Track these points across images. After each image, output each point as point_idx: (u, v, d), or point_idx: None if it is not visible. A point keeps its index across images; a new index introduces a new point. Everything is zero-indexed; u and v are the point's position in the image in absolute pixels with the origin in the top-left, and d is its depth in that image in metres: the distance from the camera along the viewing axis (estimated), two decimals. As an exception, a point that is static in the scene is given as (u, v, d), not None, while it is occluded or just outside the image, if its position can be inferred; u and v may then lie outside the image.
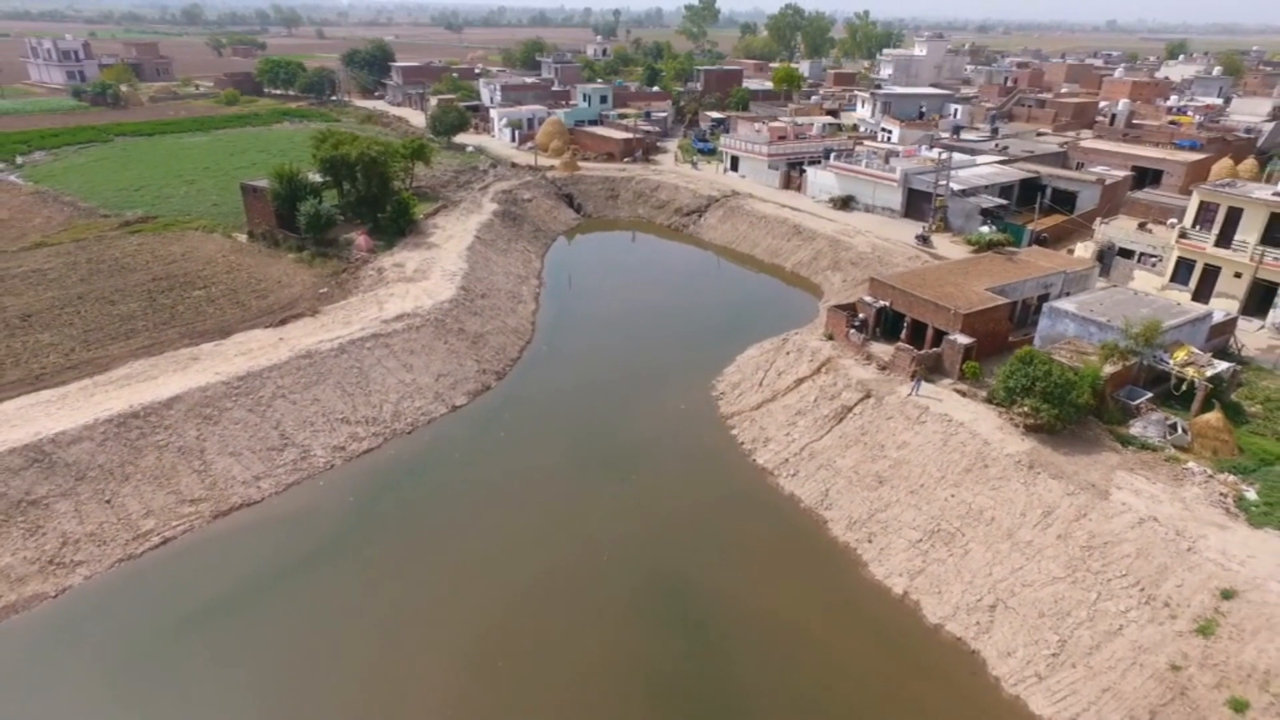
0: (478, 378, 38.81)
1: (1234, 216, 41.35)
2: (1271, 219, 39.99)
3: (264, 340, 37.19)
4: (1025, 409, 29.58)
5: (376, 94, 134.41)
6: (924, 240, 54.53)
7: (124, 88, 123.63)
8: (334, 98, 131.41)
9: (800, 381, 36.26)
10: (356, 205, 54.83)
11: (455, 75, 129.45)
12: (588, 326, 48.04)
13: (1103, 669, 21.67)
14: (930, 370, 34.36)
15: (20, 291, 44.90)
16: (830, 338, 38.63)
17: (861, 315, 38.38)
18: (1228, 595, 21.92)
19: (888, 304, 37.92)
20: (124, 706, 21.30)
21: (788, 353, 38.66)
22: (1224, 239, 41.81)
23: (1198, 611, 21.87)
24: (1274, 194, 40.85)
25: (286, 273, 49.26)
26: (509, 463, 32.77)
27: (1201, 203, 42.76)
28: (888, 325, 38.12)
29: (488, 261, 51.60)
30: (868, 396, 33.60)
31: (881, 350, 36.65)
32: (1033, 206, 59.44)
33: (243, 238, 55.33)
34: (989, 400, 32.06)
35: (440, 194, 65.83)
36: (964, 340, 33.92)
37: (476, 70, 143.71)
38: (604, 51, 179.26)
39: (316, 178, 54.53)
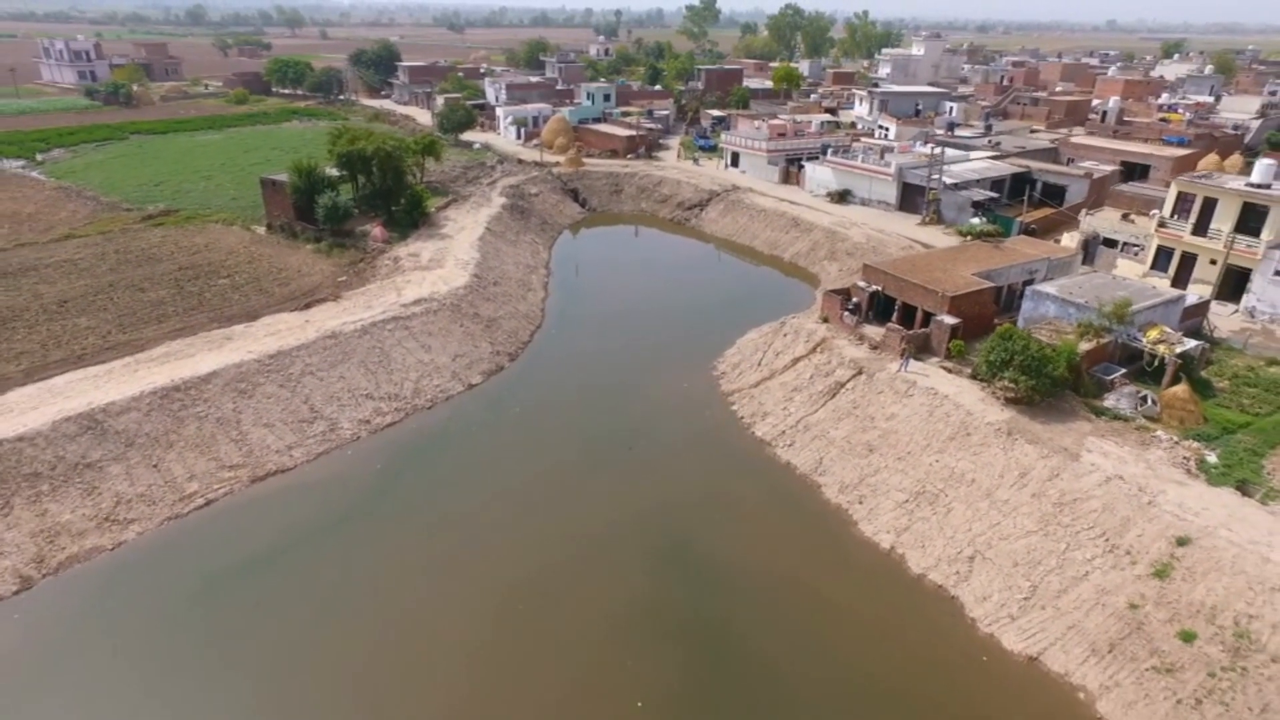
0: (492, 358, 41.04)
1: (1209, 206, 43.51)
2: (1244, 208, 42.18)
3: (291, 322, 39.44)
4: (1005, 382, 31.78)
5: (383, 93, 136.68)
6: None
7: (135, 87, 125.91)
8: (341, 97, 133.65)
9: (797, 361, 38.46)
10: (371, 198, 57.11)
11: (461, 75, 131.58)
12: (594, 313, 50.28)
13: (1069, 609, 23.85)
14: (919, 349, 36.56)
15: (54, 280, 47.15)
16: (825, 320, 40.83)
17: (855, 299, 40.56)
18: (1182, 542, 24.11)
19: (880, 288, 40.09)
20: (173, 648, 23.33)
21: (785, 335, 40.85)
22: (1200, 228, 43.99)
23: (1155, 557, 24.06)
24: (1246, 185, 42.99)
25: (306, 262, 51.47)
26: (523, 435, 35.02)
27: (1179, 193, 44.94)
28: (880, 308, 40.28)
29: (498, 252, 53.82)
30: (860, 373, 35.81)
31: (873, 331, 38.84)
32: (1023, 200, 61.79)
33: (261, 230, 57.57)
34: (973, 376, 34.24)
35: (450, 188, 68.07)
36: (950, 320, 36.11)
37: (481, 70, 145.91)
38: (606, 51, 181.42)
39: (333, 172, 56.77)
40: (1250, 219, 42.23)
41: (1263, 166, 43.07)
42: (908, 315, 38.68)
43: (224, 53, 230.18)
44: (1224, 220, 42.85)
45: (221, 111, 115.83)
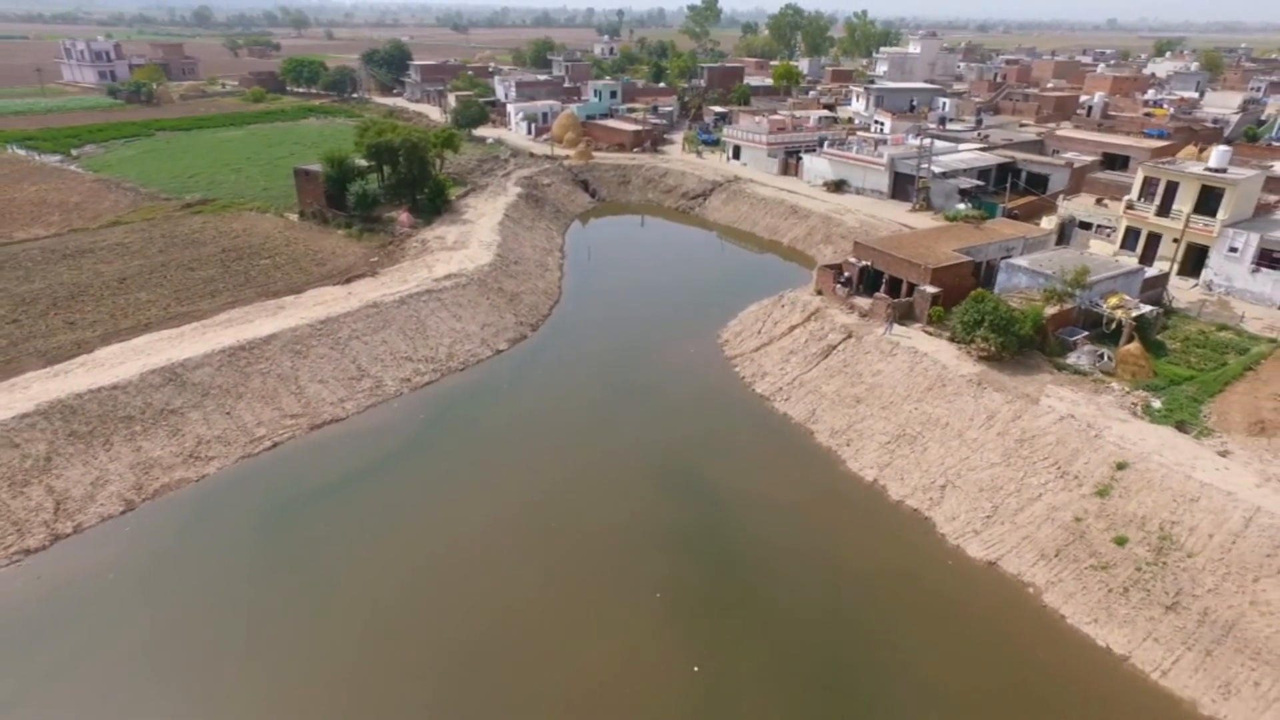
0: (515, 328, 45.10)
1: (1172, 189, 47.43)
2: (1202, 191, 46.11)
3: (335, 295, 43.52)
4: (979, 341, 35.76)
5: (395, 91, 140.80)
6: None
7: (156, 86, 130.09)
8: (355, 95, 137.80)
9: (793, 328, 42.47)
10: (397, 187, 61.16)
11: (471, 73, 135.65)
12: (607, 291, 54.35)
13: (1024, 524, 27.86)
14: (903, 316, 40.56)
15: (110, 260, 51.22)
16: (819, 293, 44.85)
17: (846, 273, 44.55)
18: (1121, 466, 28.11)
19: (869, 263, 44.06)
20: (250, 563, 27.16)
21: (783, 306, 44.85)
22: (1164, 209, 47.93)
23: (1098, 479, 28.07)
24: (1205, 169, 46.92)
25: (338, 246, 55.54)
26: (547, 392, 39.09)
27: (1145, 178, 48.87)
28: (869, 282, 44.25)
29: (516, 236, 57.87)
30: (849, 337, 39.83)
31: (863, 302, 42.83)
32: (1011, 188, 65.71)
33: (294, 217, 61.64)
34: (951, 338, 38.23)
35: (468, 179, 72.15)
36: (931, 290, 40.09)
37: (490, 68, 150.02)
38: (611, 50, 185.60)
39: (362, 162, 60.83)
40: (1208, 201, 46.15)
41: (1219, 153, 47.00)
42: (894, 287, 42.66)
43: (234, 53, 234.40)
44: (1185, 202, 46.77)
45: (240, 109, 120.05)
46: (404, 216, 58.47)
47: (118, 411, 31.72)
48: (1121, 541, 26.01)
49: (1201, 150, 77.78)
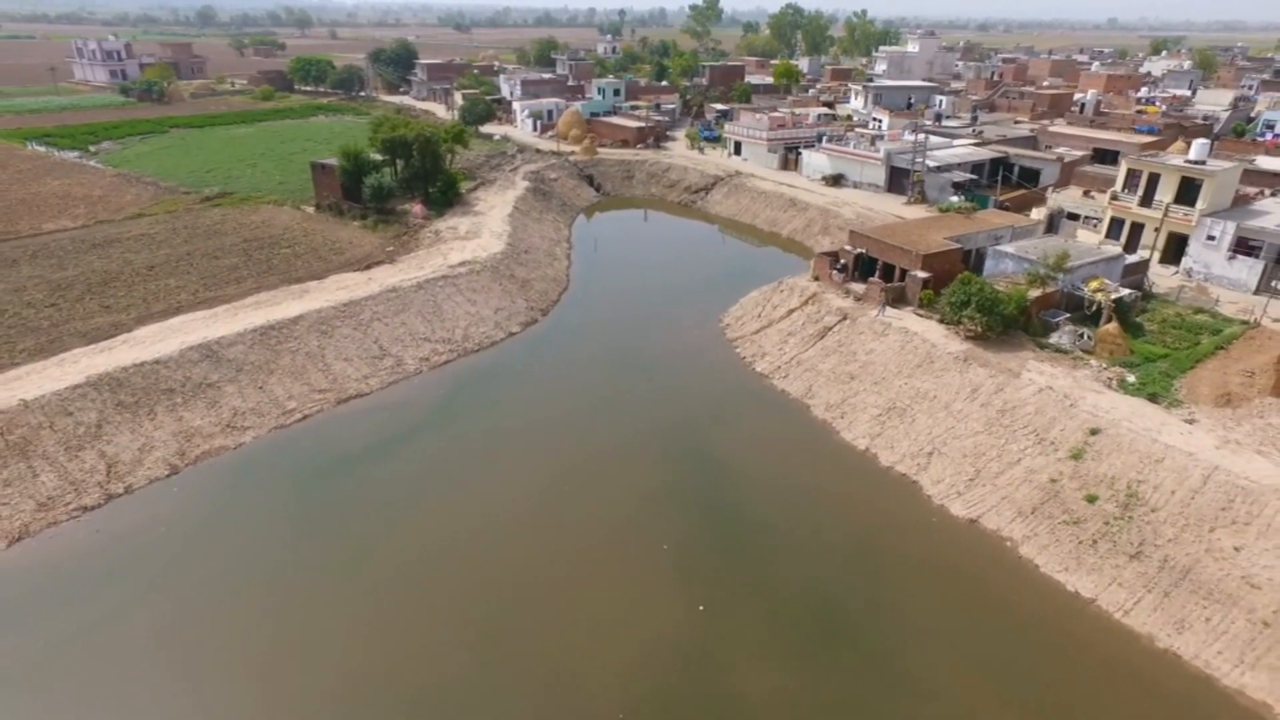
0: (527, 312, 47.34)
1: (1154, 181, 49.62)
2: (1182, 182, 48.28)
3: (356, 280, 45.78)
4: (965, 321, 37.96)
5: (401, 90, 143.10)
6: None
7: (167, 85, 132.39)
8: (362, 93, 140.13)
9: (791, 312, 44.68)
10: (411, 180, 63.40)
11: (476, 72, 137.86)
12: (613, 279, 56.58)
13: (1003, 486, 30.07)
14: (895, 299, 42.77)
15: (138, 250, 53.47)
16: (817, 279, 47.05)
17: (842, 260, 46.74)
18: (1094, 432, 30.32)
19: (864, 251, 46.25)
20: (284, 522, 29.33)
21: (782, 291, 47.05)
22: (1146, 200, 50.09)
23: (1073, 444, 30.27)
24: (1185, 161, 49.09)
25: (355, 236, 57.78)
26: (558, 371, 41.33)
27: (1129, 170, 51.05)
28: (864, 268, 46.43)
29: (526, 227, 60.11)
30: (845, 319, 42.04)
31: (858, 287, 45.02)
32: (1004, 182, 67.94)
33: (310, 209, 63.88)
34: (940, 320, 40.42)
35: (477, 173, 74.39)
36: (922, 274, 42.28)
37: (495, 67, 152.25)
38: (614, 50, 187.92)
39: (376, 156, 63.07)
40: (1188, 192, 48.33)
41: (1198, 145, 49.18)
42: (887, 272, 44.84)
43: (240, 52, 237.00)
44: (1166, 193, 48.94)
45: (250, 107, 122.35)
46: (417, 208, 60.72)
47: (160, 384, 33.99)
48: (1092, 499, 28.21)
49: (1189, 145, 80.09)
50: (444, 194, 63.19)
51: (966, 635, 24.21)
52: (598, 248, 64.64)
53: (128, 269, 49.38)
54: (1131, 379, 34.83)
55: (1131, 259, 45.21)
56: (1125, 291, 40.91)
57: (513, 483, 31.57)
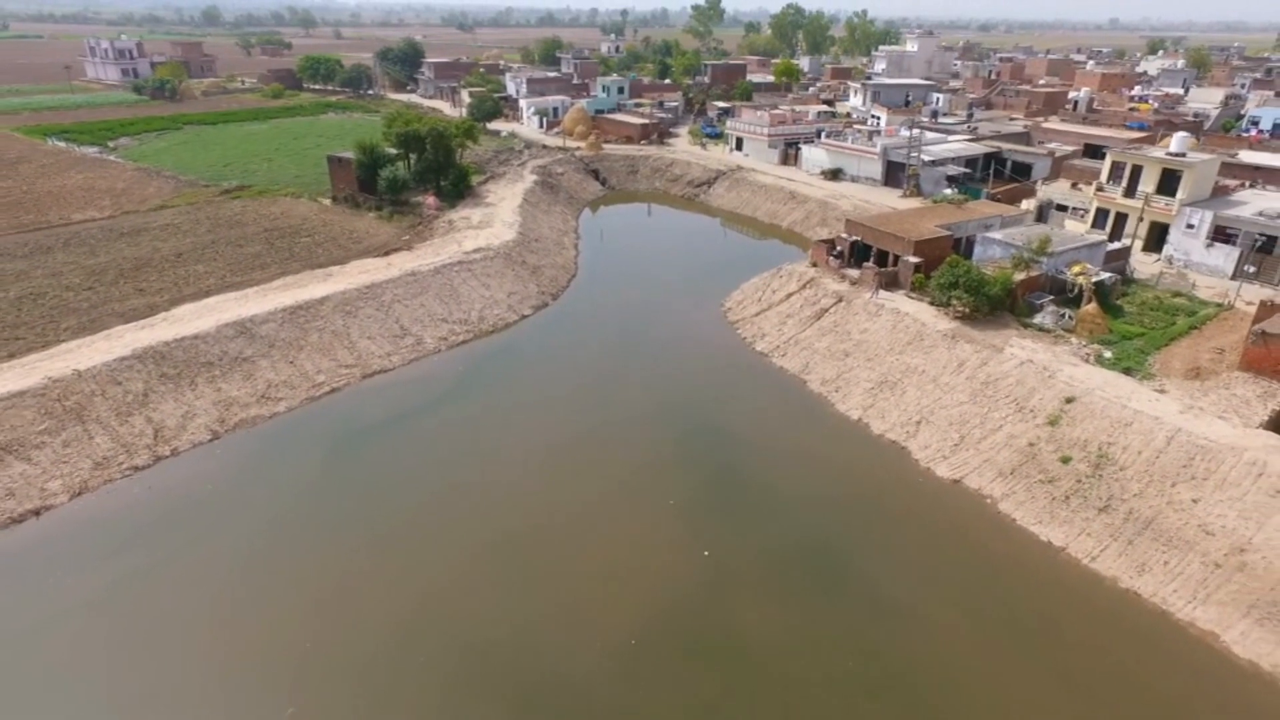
0: (538, 297, 49.73)
1: (1137, 172, 51.93)
2: (1163, 173, 50.58)
3: (376, 265, 48.17)
4: (953, 303, 40.28)
5: (408, 88, 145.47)
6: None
7: (179, 83, 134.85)
8: (370, 91, 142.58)
9: (790, 295, 47.02)
10: (424, 173, 65.80)
11: (483, 70, 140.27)
12: (619, 267, 58.98)
13: (985, 450, 32.40)
14: (888, 284, 45.09)
15: (164, 239, 55.87)
16: (814, 265, 49.38)
17: (839, 247, 49.08)
18: (1070, 400, 32.64)
19: (859, 238, 48.58)
20: (318, 481, 31.64)
21: (781, 277, 49.40)
22: (1130, 191, 52.40)
23: (1050, 411, 32.59)
24: (1166, 154, 51.38)
25: (371, 226, 60.16)
26: (569, 351, 43.70)
27: (1113, 162, 53.37)
28: (859, 254, 48.75)
29: (535, 218, 62.48)
30: (840, 301, 44.39)
31: (853, 272, 47.33)
32: (997, 175, 70.27)
33: (327, 201, 66.25)
34: (931, 302, 42.74)
35: (485, 168, 76.73)
36: (914, 259, 44.60)
37: (500, 66, 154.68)
38: (617, 49, 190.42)
39: (391, 150, 65.48)
40: (1169, 183, 50.64)
41: (1179, 139, 51.49)
42: (881, 258, 47.16)
43: (247, 52, 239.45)
44: (1148, 183, 51.25)
45: (261, 105, 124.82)
46: (431, 200, 63.11)
47: (199, 358, 36.38)
48: (1066, 460, 30.54)
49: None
50: (456, 186, 65.57)
51: (946, 576, 26.54)
52: (604, 239, 67.04)
53: (157, 256, 51.77)
54: (1108, 354, 37.13)
55: (1114, 246, 47.49)
56: (1106, 275, 43.21)
57: (529, 448, 33.93)
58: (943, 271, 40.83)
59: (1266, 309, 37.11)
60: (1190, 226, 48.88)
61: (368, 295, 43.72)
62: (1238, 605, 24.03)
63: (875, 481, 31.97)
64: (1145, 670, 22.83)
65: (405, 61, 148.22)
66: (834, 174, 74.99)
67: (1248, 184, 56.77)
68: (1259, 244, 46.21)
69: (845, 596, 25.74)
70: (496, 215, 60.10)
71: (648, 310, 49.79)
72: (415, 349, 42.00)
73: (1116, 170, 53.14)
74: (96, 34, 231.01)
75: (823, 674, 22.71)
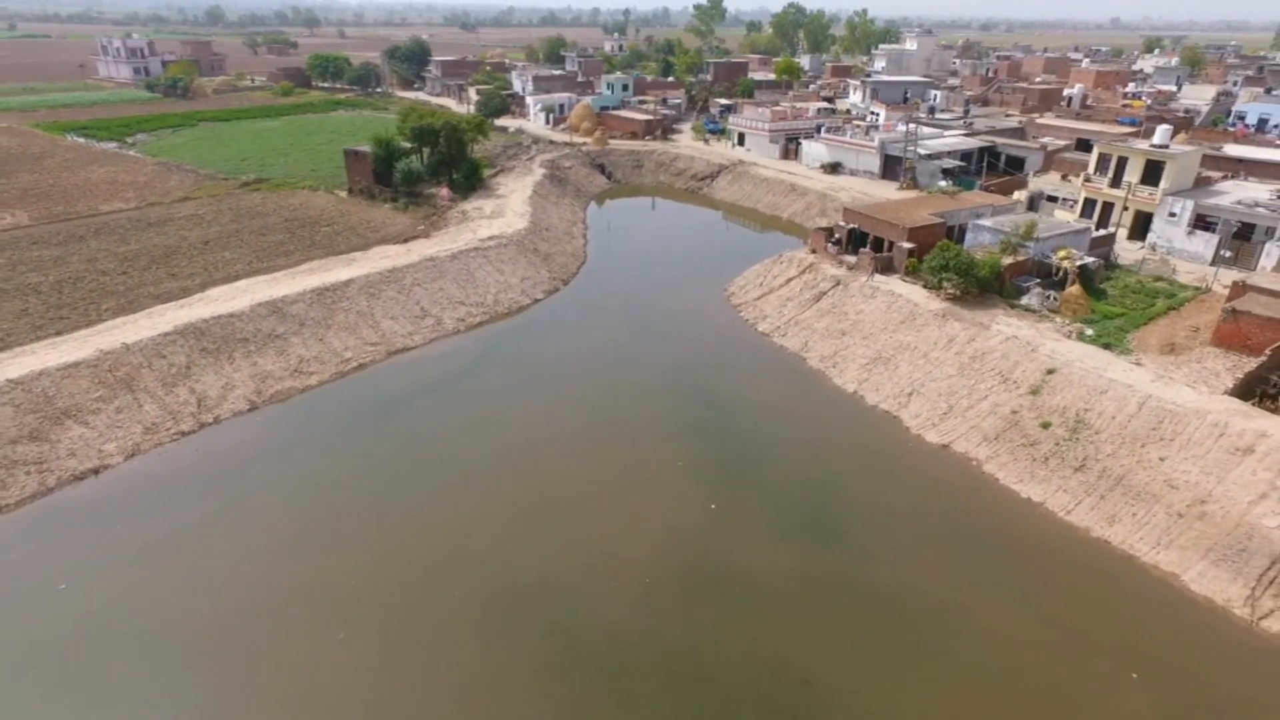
0: (550, 282, 52.13)
1: (1122, 163, 54.23)
2: (1147, 164, 52.88)
3: (396, 251, 50.59)
4: (945, 285, 42.62)
5: (416, 86, 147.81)
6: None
7: (190, 81, 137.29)
8: (378, 89, 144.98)
9: (790, 280, 49.39)
10: (437, 166, 68.21)
11: (489, 68, 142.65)
12: (627, 256, 61.41)
13: (972, 418, 34.76)
14: (884, 268, 47.43)
15: (190, 228, 58.27)
16: (814, 251, 51.74)
17: (837, 234, 51.43)
18: (1051, 371, 34.99)
19: (856, 226, 50.92)
20: (351, 447, 33.93)
21: (782, 263, 51.77)
22: (1116, 181, 54.70)
23: (1032, 382, 34.95)
24: (1150, 145, 53.69)
25: (387, 217, 62.54)
26: (581, 332, 46.12)
27: (1100, 154, 55.68)
28: (856, 241, 51.09)
29: (545, 209, 64.89)
30: (838, 285, 46.75)
31: (850, 258, 49.68)
32: (991, 169, 72.64)
33: (343, 193, 68.65)
34: (924, 285, 45.09)
35: (495, 162, 79.16)
36: (908, 245, 46.94)
37: (506, 64, 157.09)
38: (621, 48, 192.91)
39: (405, 144, 67.87)
40: (1153, 173, 52.94)
41: (1161, 131, 53.78)
42: (877, 244, 49.49)
43: (254, 51, 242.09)
44: (1133, 174, 53.55)
45: (271, 102, 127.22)
46: (444, 191, 65.51)
47: (235, 334, 38.80)
48: (1046, 425, 32.90)
49: (1171, 138, 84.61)
50: (468, 179, 67.98)
51: (932, 527, 28.91)
52: (611, 230, 69.45)
53: (185, 243, 54.18)
54: (1089, 332, 39.47)
55: (1099, 233, 49.80)
56: (1089, 259, 45.55)
57: (546, 416, 36.36)
58: (934, 255, 43.18)
59: (1238, 289, 39.51)
60: (1172, 215, 51.17)
61: (389, 279, 46.12)
62: (1197, 549, 26.39)
63: (868, 446, 34.36)
64: (1112, 605, 25.19)
65: (412, 60, 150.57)
66: (833, 168, 77.33)
67: (1229, 175, 59.02)
68: (1236, 231, 48.52)
69: (838, 543, 28.13)
70: (508, 206, 62.51)
71: (655, 295, 52.19)
72: (435, 329, 44.40)
73: (1103, 162, 55.44)
74: (105, 34, 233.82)
75: (816, 605, 25.10)
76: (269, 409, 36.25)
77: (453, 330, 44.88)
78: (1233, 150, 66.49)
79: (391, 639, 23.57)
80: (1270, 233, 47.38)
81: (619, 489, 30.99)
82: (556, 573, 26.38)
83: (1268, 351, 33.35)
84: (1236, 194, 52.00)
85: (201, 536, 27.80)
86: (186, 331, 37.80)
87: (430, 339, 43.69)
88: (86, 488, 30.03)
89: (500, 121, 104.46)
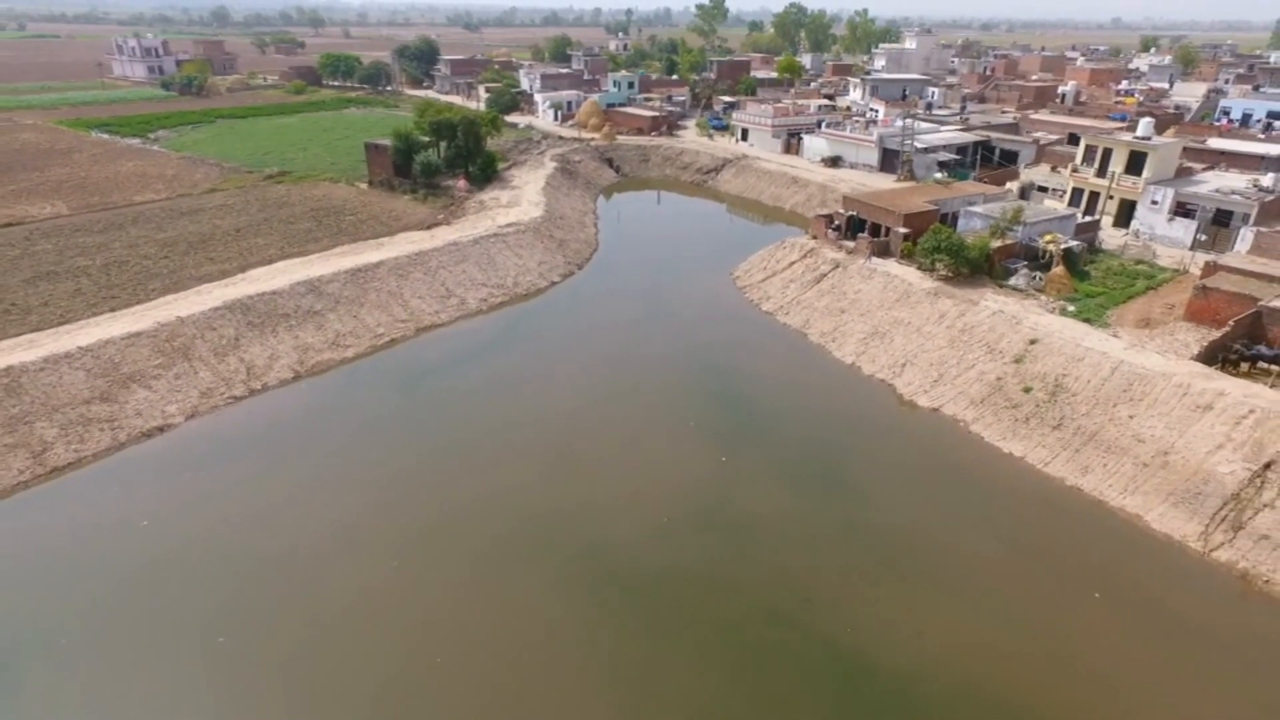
0: (565, 266, 55.13)
1: (1108, 155, 57.16)
2: (1131, 155, 55.80)
3: (420, 237, 53.61)
4: (938, 266, 45.56)
5: (425, 84, 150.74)
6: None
7: (205, 79, 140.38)
8: (388, 87, 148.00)
9: (792, 264, 52.36)
10: (454, 159, 71.20)
11: (497, 67, 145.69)
12: (637, 244, 64.43)
13: (960, 384, 37.71)
14: (881, 252, 50.40)
15: (220, 217, 61.27)
16: (814, 237, 54.71)
17: (836, 221, 54.40)
18: (1033, 342, 37.95)
19: (855, 213, 53.89)
20: (386, 412, 36.89)
21: (784, 248, 54.74)
22: (1101, 172, 57.61)
23: (1016, 351, 37.91)
24: (1134, 138, 56.61)
25: (407, 207, 65.53)
26: (595, 312, 49.13)
27: (1086, 146, 58.60)
28: (855, 227, 54.06)
29: (558, 199, 67.89)
30: (837, 267, 49.73)
31: (849, 243, 52.65)
32: (986, 162, 75.56)
33: (363, 185, 71.64)
34: (918, 267, 48.05)
35: (508, 156, 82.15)
36: (904, 230, 49.91)
37: (514, 62, 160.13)
38: (625, 47, 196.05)
39: (424, 138, 70.89)
40: (1136, 163, 55.86)
41: (1144, 124, 56.70)
42: (875, 230, 52.48)
43: (262, 50, 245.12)
44: (1118, 165, 56.47)
45: (284, 100, 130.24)
46: (461, 183, 68.53)
47: (277, 310, 41.83)
48: (1028, 390, 35.85)
49: (1161, 132, 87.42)
50: (484, 171, 70.99)
51: (921, 477, 31.88)
52: (621, 219, 72.46)
53: (218, 231, 57.19)
54: (1071, 308, 42.42)
55: (1084, 220, 52.72)
56: (1074, 243, 48.49)
57: (567, 383, 39.37)
58: (927, 238, 46.14)
59: (1210, 269, 42.50)
60: (1154, 203, 54.07)
61: (416, 262, 49.14)
62: (1159, 494, 29.34)
63: (865, 410, 37.35)
64: (1080, 541, 28.13)
65: (422, 59, 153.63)
66: (833, 161, 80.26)
67: (1211, 166, 61.89)
68: (1214, 217, 51.42)
69: (836, 490, 31.11)
70: (523, 196, 65.51)
71: (664, 278, 55.18)
72: (460, 308, 47.40)
73: (1090, 153, 58.37)
74: (112, 33, 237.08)
75: (817, 541, 28.07)
76: (311, 379, 39.25)
77: (476, 310, 47.88)
78: (1216, 143, 69.34)
79: (441, 565, 26.57)
80: (1245, 218, 50.27)
81: (637, 444, 34.00)
82: (584, 508, 29.37)
83: (1231, 322, 36.27)
84: (1215, 183, 54.89)
85: (262, 484, 30.79)
86: (234, 307, 40.82)
87: (455, 317, 46.69)
88: (154, 444, 33.04)
89: (510, 118, 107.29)
